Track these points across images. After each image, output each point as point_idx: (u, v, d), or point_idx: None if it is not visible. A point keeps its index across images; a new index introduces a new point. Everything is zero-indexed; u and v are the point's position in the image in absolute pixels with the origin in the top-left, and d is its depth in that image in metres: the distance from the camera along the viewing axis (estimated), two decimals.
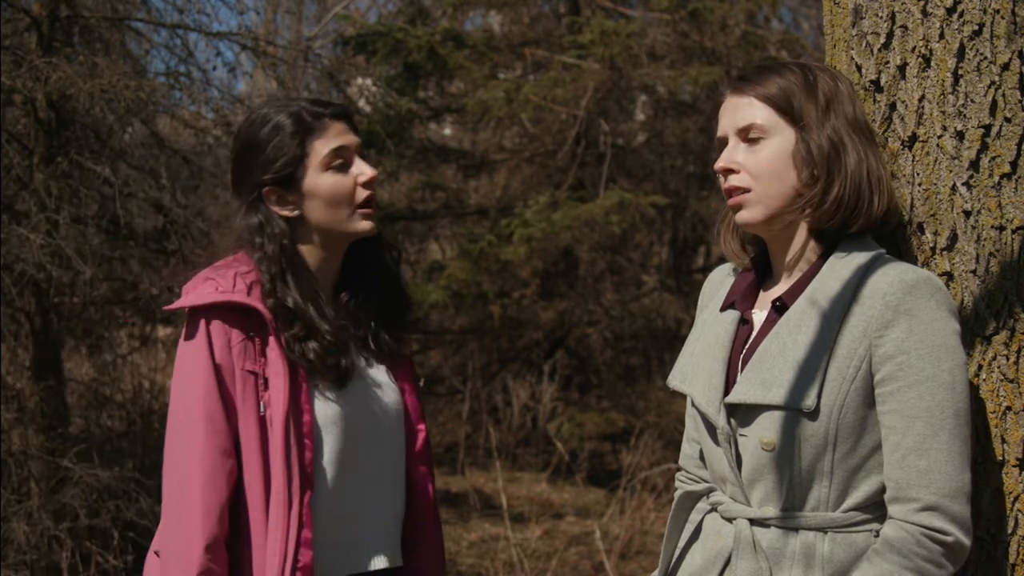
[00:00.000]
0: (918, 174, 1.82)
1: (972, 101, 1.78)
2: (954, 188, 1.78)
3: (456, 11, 8.20)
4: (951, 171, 1.79)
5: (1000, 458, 1.76)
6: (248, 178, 2.01)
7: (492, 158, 9.03)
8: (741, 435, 1.72)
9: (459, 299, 7.75)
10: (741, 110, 1.76)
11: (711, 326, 1.85)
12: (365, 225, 2.01)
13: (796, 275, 1.77)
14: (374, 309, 2.08)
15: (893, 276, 1.65)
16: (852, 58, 1.89)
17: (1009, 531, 1.76)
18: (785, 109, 1.73)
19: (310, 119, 1.97)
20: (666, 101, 8.56)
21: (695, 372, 1.82)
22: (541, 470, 7.89)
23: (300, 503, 1.89)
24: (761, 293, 1.84)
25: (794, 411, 1.66)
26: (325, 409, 1.95)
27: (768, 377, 1.68)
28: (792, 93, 1.73)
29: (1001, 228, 1.76)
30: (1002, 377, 1.76)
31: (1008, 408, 1.76)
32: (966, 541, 1.62)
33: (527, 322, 8.37)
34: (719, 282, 1.93)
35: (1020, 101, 1.77)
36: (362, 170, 2.00)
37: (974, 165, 1.77)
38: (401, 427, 2.08)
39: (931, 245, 1.81)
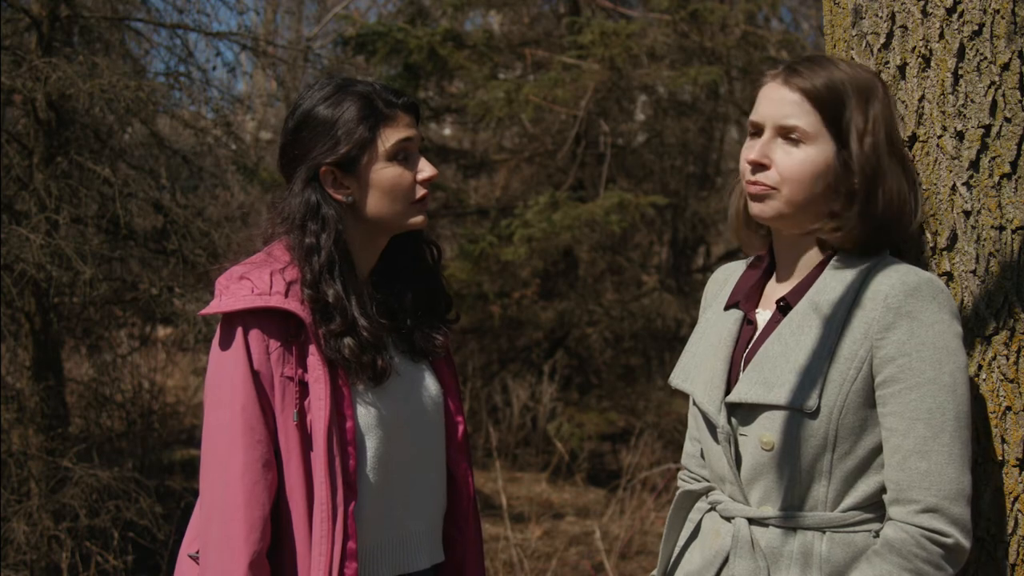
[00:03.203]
0: (918, 174, 1.81)
1: (972, 101, 1.78)
2: (954, 188, 1.78)
3: (456, 11, 8.20)
4: (951, 171, 1.79)
5: (1000, 458, 1.76)
6: (307, 155, 1.91)
7: (492, 158, 9.03)
8: (741, 434, 1.73)
9: (459, 299, 7.75)
10: (788, 106, 1.70)
11: (714, 325, 1.85)
12: (419, 219, 1.97)
13: (800, 275, 1.77)
14: (411, 304, 2.02)
15: (895, 278, 1.65)
16: (852, 58, 1.89)
17: (1009, 531, 1.76)
18: (832, 119, 1.69)
19: (383, 106, 1.90)
20: (666, 101, 8.56)
21: (697, 371, 1.82)
22: (541, 470, 7.89)
23: (344, 514, 1.84)
24: (765, 291, 1.84)
25: (795, 411, 1.66)
26: (367, 413, 1.90)
27: (770, 377, 1.69)
28: (843, 102, 1.69)
29: (1001, 228, 1.76)
30: (1002, 377, 1.76)
31: (1008, 408, 1.76)
32: (966, 543, 1.62)
33: (527, 322, 8.36)
34: (722, 281, 1.94)
35: (1020, 101, 1.77)
36: (424, 167, 1.96)
37: (974, 165, 1.77)
38: (441, 422, 2.04)
39: (931, 245, 1.80)
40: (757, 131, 1.75)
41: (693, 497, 1.89)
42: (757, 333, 1.79)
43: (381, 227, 1.95)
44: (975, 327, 1.77)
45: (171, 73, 6.19)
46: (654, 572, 1.97)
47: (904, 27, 1.83)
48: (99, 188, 5.18)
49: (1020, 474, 1.75)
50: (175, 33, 6.22)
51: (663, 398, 8.08)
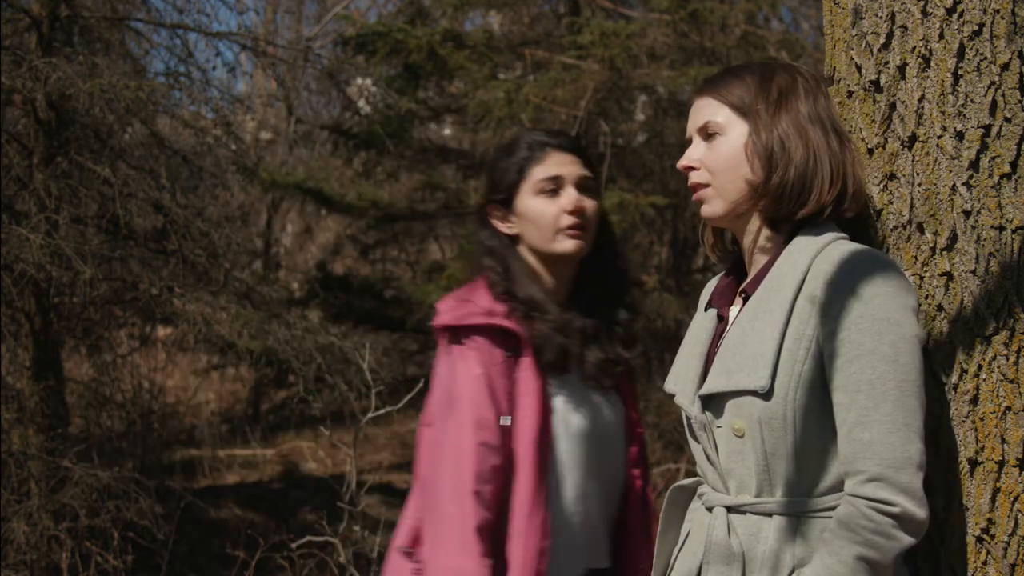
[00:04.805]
0: (918, 174, 1.82)
1: (972, 101, 1.78)
2: (954, 188, 1.78)
3: (456, 11, 8.20)
4: (951, 171, 1.79)
5: (1000, 458, 1.76)
6: (481, 196, 2.28)
7: None
8: (717, 426, 1.76)
9: None
10: (701, 110, 1.84)
11: (695, 327, 1.92)
12: (568, 245, 2.17)
13: (759, 265, 1.82)
14: (596, 328, 2.23)
15: (836, 257, 1.69)
16: (852, 58, 1.89)
17: (1009, 531, 1.76)
18: (738, 106, 1.80)
19: (535, 147, 2.19)
20: (666, 101, 8.56)
21: (681, 373, 1.88)
22: None
23: (544, 513, 2.06)
24: (739, 288, 1.89)
25: (752, 395, 1.69)
26: (567, 421, 2.13)
27: (731, 365, 1.73)
28: (745, 90, 1.80)
29: (1001, 228, 1.76)
30: (1002, 377, 1.76)
31: (1008, 408, 1.76)
32: (917, 511, 1.61)
33: None
34: (710, 288, 1.98)
35: (1020, 101, 1.77)
36: (571, 197, 2.17)
37: (974, 165, 1.77)
38: (621, 436, 2.26)
39: (931, 245, 1.80)
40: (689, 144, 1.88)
41: (685, 492, 1.92)
42: (728, 327, 1.83)
43: (540, 253, 2.20)
44: (975, 327, 1.77)
45: (171, 73, 6.20)
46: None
47: (904, 27, 1.83)
48: (99, 188, 5.18)
49: (1020, 474, 1.75)
50: (175, 33, 6.22)
51: (663, 398, 8.07)
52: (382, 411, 4.39)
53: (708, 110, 1.82)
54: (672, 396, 1.89)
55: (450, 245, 10.37)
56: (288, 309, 6.62)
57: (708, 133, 1.82)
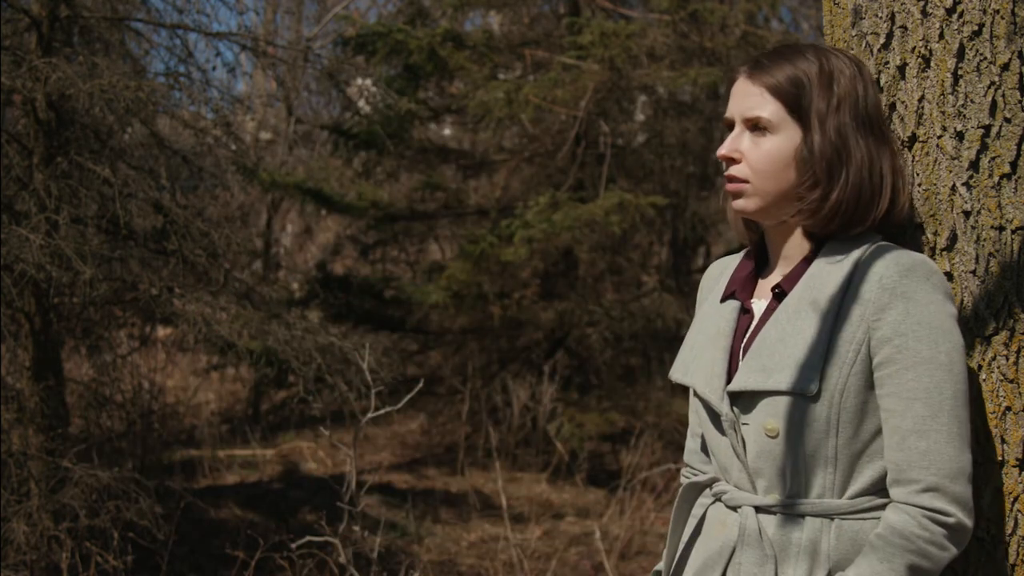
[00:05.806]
0: (918, 174, 1.82)
1: (972, 101, 1.78)
2: (954, 188, 1.78)
3: (456, 11, 8.20)
4: (951, 171, 1.79)
5: (1000, 458, 1.76)
6: None
7: (492, 158, 9.03)
8: (744, 423, 1.72)
9: (459, 300, 7.76)
10: (751, 99, 1.73)
11: (712, 317, 1.85)
12: None
13: (793, 262, 1.78)
14: None
15: (889, 259, 1.66)
16: None
17: (1009, 531, 1.76)
18: (794, 107, 1.71)
19: None
20: (666, 101, 8.57)
21: (697, 363, 1.82)
22: (541, 470, 7.90)
23: None
24: (760, 282, 1.84)
25: (796, 396, 1.65)
26: None
27: (768, 363, 1.68)
28: (803, 89, 1.70)
29: (1001, 228, 1.76)
30: (1002, 377, 1.76)
31: (1008, 408, 1.76)
32: (968, 522, 1.61)
33: (527, 322, 8.37)
34: (716, 276, 1.93)
35: (1020, 101, 1.77)
36: None
37: (974, 165, 1.77)
38: None
39: (931, 245, 1.81)
40: (730, 127, 1.78)
41: (698, 489, 1.87)
42: (754, 322, 1.79)
43: None
44: (975, 327, 1.77)
45: (171, 73, 6.19)
46: (658, 566, 1.96)
47: (904, 27, 1.83)
48: (99, 188, 5.17)
49: (1020, 474, 1.75)
50: (175, 33, 6.22)
51: (663, 398, 8.08)
52: (382, 411, 4.38)
53: (757, 100, 1.72)
54: (674, 392, 1.85)
55: (450, 245, 10.38)
56: (288, 309, 6.62)
57: (756, 126, 1.73)
